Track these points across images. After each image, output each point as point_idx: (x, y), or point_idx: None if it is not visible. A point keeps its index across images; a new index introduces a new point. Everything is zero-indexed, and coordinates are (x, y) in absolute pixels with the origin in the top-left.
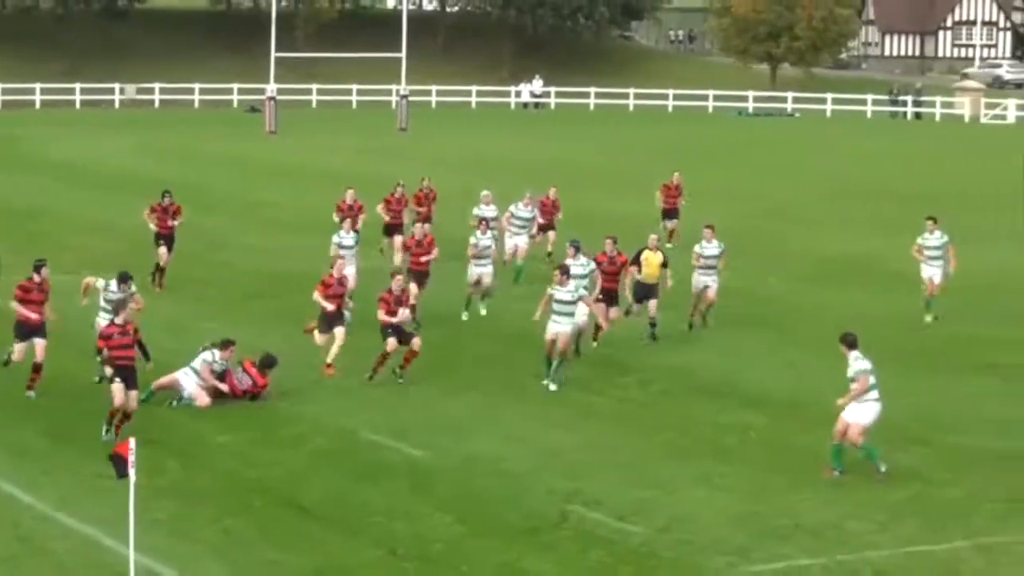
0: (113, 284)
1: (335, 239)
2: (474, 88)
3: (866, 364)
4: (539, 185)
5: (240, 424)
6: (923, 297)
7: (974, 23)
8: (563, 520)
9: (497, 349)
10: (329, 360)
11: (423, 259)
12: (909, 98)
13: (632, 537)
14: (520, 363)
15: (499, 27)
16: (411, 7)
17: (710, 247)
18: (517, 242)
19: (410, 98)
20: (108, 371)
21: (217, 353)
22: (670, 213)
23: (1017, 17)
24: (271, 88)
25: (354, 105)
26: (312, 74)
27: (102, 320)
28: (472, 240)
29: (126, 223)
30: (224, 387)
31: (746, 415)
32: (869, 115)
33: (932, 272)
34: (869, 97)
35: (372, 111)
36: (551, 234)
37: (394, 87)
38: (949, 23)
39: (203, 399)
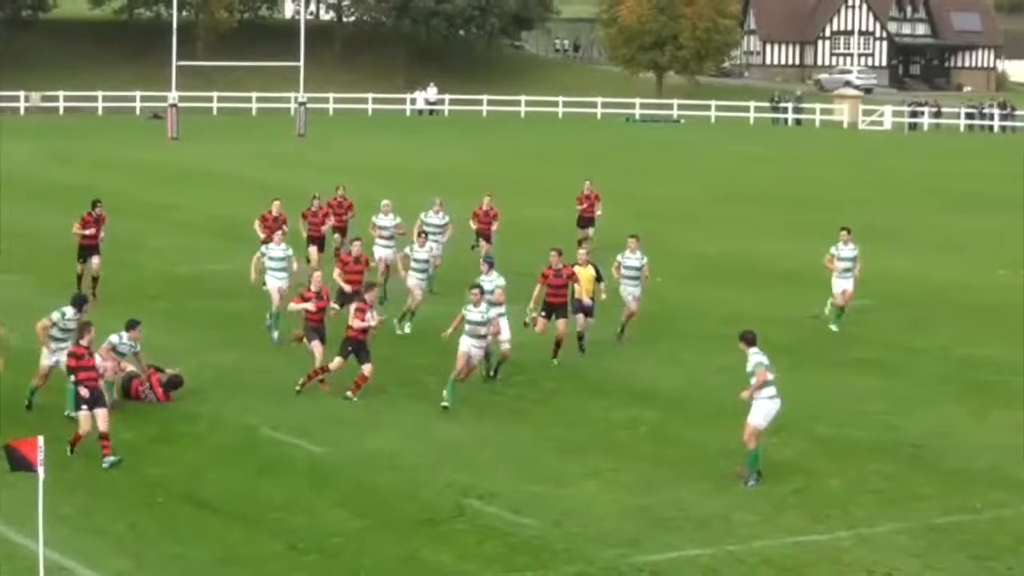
0: (69, 311)
1: (262, 249)
2: (370, 95)
3: (763, 358)
4: (439, 190)
5: (143, 422)
6: (830, 307)
7: (851, 33)
8: (459, 513)
9: (395, 349)
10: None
11: (356, 277)
12: (790, 105)
13: (526, 529)
14: (417, 363)
15: (394, 36)
16: (308, 17)
17: (632, 258)
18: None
19: (308, 105)
20: (84, 392)
21: (125, 335)
22: (586, 222)
23: (892, 27)
24: (173, 96)
25: (254, 112)
26: (212, 82)
27: (54, 351)
28: (406, 250)
29: (33, 225)
30: (114, 368)
31: (635, 411)
32: (751, 122)
33: (845, 284)
34: (751, 104)
35: (271, 118)
36: (484, 244)
37: (292, 95)
38: (828, 33)
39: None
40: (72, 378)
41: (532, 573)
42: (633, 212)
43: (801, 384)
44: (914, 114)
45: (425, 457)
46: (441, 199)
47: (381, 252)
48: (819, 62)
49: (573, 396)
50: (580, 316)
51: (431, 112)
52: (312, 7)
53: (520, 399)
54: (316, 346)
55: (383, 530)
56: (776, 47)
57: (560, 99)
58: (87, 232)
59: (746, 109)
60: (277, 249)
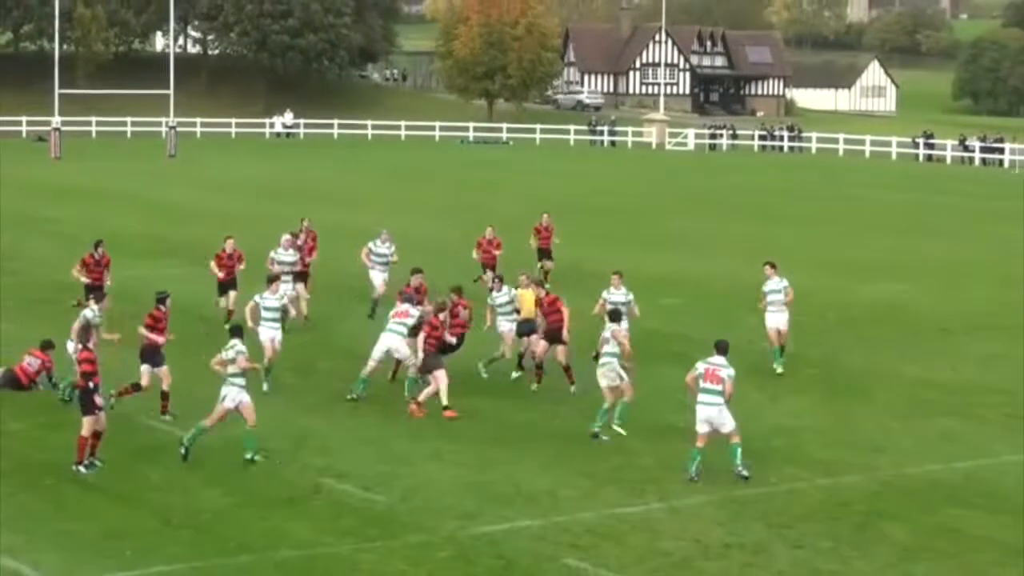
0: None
1: (256, 298)
2: (233, 120)
3: (699, 365)
4: (301, 203)
5: (30, 412)
6: (768, 348)
7: (659, 64)
8: (317, 491)
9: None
10: (444, 402)
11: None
12: (605, 128)
13: (376, 505)
14: (283, 359)
15: (254, 68)
16: (177, 50)
17: (617, 294)
18: (384, 277)
19: (178, 129)
20: (100, 400)
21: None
22: (545, 253)
23: (694, 59)
24: (56, 120)
25: (129, 135)
26: (91, 108)
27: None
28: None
29: None
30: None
31: (472, 400)
32: (572, 143)
33: (777, 320)
34: (571, 127)
35: (145, 140)
36: (548, 263)
37: (164, 119)
38: (638, 64)
39: None
40: (91, 384)
41: (381, 543)
42: (468, 222)
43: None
44: (713, 136)
45: (285, 442)
46: (388, 229)
47: (283, 288)
48: (631, 91)
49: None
50: (534, 337)
51: (288, 135)
52: (180, 41)
53: (370, 387)
54: (439, 374)
55: (249, 507)
56: (593, 77)
57: (403, 123)
58: (85, 280)
59: (567, 132)
60: (272, 299)
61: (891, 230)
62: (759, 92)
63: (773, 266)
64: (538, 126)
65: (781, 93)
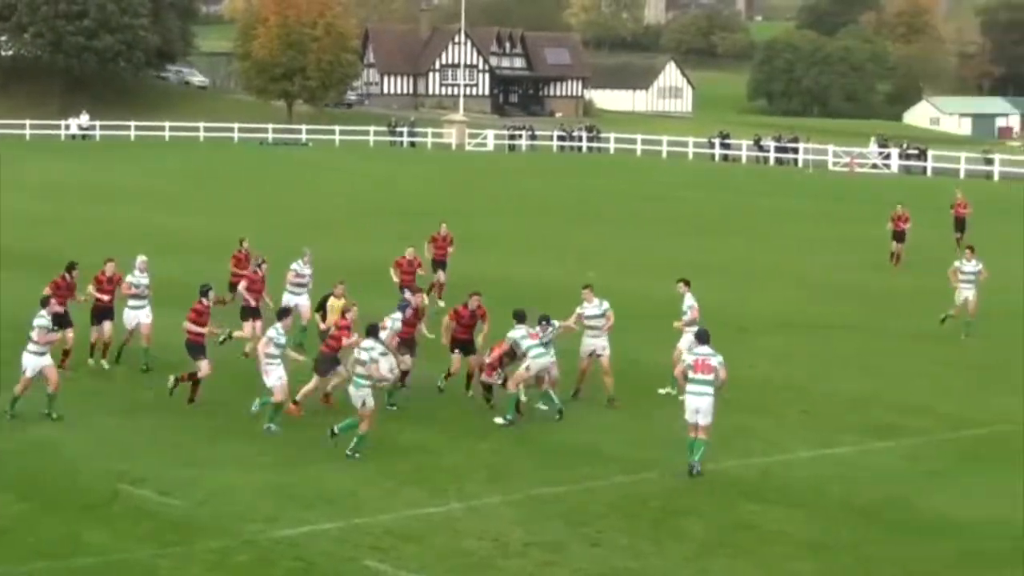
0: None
1: (270, 334)
2: (28, 122)
3: (685, 359)
4: (100, 204)
5: None
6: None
7: (458, 66)
8: (114, 497)
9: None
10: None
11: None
12: (405, 129)
13: (175, 509)
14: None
15: (49, 68)
16: None
17: (591, 307)
18: (299, 301)
19: None
20: None
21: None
22: (439, 264)
23: (494, 61)
24: None
25: None
26: None
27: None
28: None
29: None
30: None
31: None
32: (371, 144)
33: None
34: (371, 128)
35: None
36: (440, 274)
37: None
38: (438, 66)
39: None
40: None
41: (180, 548)
42: (273, 224)
43: (417, 375)
44: (512, 137)
45: (83, 446)
46: (310, 249)
47: (133, 315)
48: (431, 92)
49: (217, 388)
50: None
51: (84, 137)
52: None
53: (166, 395)
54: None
55: (46, 513)
56: (392, 78)
57: (201, 124)
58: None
59: (367, 133)
60: (284, 336)
61: (690, 229)
62: (558, 93)
63: (686, 283)
64: (337, 127)
65: (580, 94)
